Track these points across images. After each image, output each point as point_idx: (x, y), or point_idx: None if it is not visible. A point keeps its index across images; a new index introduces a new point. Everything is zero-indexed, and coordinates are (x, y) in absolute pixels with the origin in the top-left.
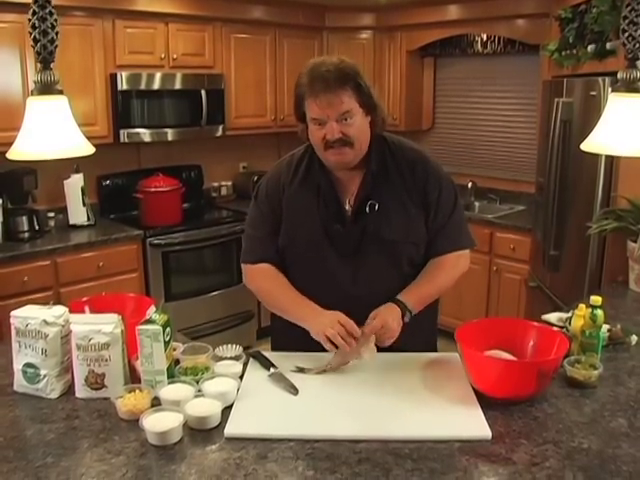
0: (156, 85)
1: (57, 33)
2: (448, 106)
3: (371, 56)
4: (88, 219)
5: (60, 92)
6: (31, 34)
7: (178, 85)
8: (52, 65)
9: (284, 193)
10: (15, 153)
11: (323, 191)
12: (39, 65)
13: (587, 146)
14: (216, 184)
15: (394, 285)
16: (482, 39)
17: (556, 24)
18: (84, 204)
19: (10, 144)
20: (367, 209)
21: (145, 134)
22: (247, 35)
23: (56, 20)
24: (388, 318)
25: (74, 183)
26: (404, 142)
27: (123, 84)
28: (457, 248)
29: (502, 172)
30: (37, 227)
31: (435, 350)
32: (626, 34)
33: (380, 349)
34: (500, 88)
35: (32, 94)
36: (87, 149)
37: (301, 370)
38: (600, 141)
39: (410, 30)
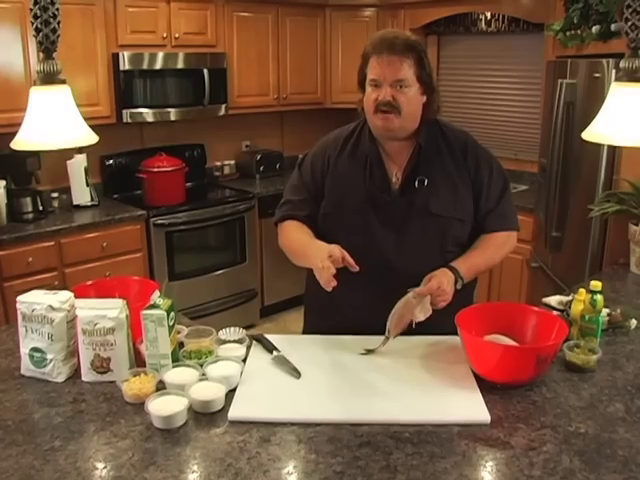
0: (158, 65)
1: (59, 22)
2: (451, 84)
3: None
4: (92, 199)
5: (63, 82)
6: (33, 24)
7: (180, 64)
8: (54, 55)
9: (329, 165)
10: (19, 143)
11: (370, 161)
12: (41, 55)
13: (588, 135)
14: (219, 163)
15: (435, 260)
16: (486, 17)
17: (561, 3)
18: (87, 184)
19: (12, 125)
20: (416, 184)
21: (148, 114)
22: (249, 13)
23: (58, 9)
24: (444, 280)
25: (77, 163)
26: (453, 124)
27: (125, 64)
28: (507, 228)
29: (505, 151)
30: (41, 208)
31: None
32: (629, 23)
33: (406, 332)
34: (504, 67)
35: (35, 84)
36: (90, 138)
37: (370, 351)
38: (601, 131)
39: (413, 8)
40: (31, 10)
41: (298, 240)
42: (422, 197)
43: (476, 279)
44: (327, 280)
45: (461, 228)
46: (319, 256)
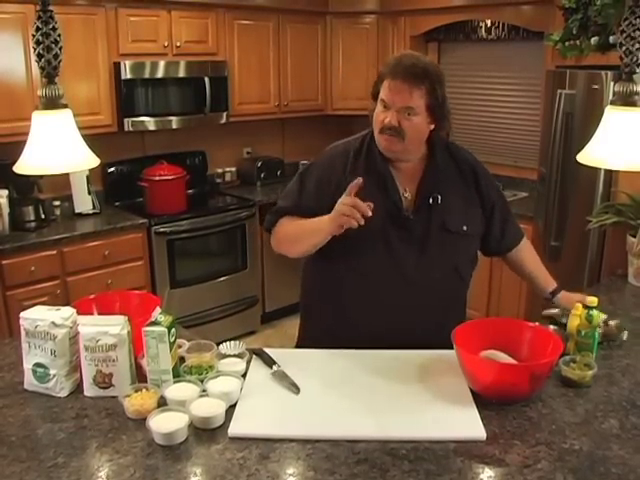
0: (160, 73)
1: (61, 48)
2: (451, 91)
3: (374, 41)
4: (93, 207)
5: (65, 106)
6: (35, 49)
7: (182, 73)
8: (57, 79)
9: (339, 187)
10: (22, 167)
11: (385, 180)
12: (44, 80)
13: (583, 158)
14: (220, 170)
15: (450, 275)
16: (486, 25)
17: (560, 13)
18: (89, 192)
19: (14, 134)
20: (430, 201)
21: (149, 122)
22: (250, 21)
23: (60, 35)
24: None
25: (79, 172)
26: (457, 144)
27: (127, 73)
28: (523, 236)
29: (504, 158)
30: (43, 216)
31: None
32: (624, 48)
33: (398, 346)
34: (504, 74)
35: (37, 108)
36: (92, 162)
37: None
38: (596, 155)
39: (414, 15)
40: (33, 36)
41: (299, 224)
42: (437, 214)
43: (466, 293)
44: (360, 207)
45: (474, 243)
46: (334, 215)
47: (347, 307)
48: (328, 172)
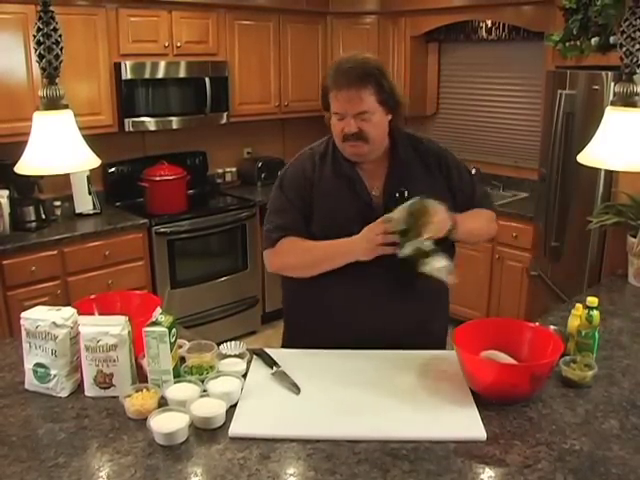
0: (160, 74)
1: (62, 49)
2: (452, 92)
3: (375, 41)
4: (94, 207)
5: (66, 106)
6: (36, 50)
7: (182, 73)
8: (57, 80)
9: (313, 186)
10: (23, 168)
11: (353, 180)
12: (45, 80)
13: (584, 159)
14: (220, 170)
15: None
16: (487, 25)
17: (560, 13)
18: (90, 192)
19: (15, 135)
20: (397, 195)
21: (150, 123)
22: (251, 22)
23: (60, 36)
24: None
25: (80, 172)
26: (419, 134)
27: (127, 73)
28: (490, 208)
29: (505, 158)
30: (44, 217)
31: (445, 343)
32: (624, 49)
33: (380, 348)
34: (504, 74)
35: (38, 109)
36: (93, 162)
37: None
38: (597, 155)
39: (414, 15)
40: (34, 37)
41: (314, 248)
42: None
43: (448, 290)
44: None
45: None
46: (366, 241)
47: (327, 310)
48: (301, 175)
